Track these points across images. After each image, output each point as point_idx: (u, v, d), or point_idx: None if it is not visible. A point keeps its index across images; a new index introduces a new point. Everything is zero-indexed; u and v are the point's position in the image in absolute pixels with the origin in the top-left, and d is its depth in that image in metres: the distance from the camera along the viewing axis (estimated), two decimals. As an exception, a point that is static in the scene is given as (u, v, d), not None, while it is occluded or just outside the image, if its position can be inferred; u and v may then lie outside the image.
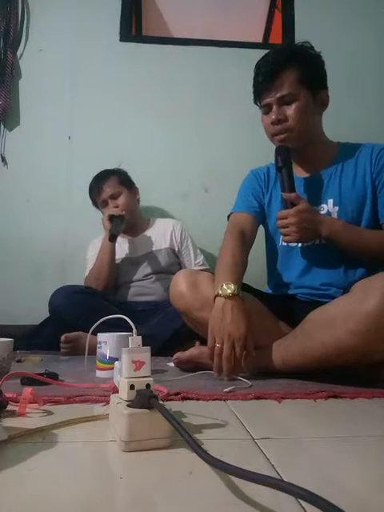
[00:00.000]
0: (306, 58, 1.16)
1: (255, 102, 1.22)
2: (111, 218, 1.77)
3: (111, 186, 1.85)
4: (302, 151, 1.19)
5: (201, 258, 1.91)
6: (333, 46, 2.20)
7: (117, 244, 1.78)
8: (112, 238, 1.72)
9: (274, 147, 1.19)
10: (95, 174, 1.90)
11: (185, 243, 1.91)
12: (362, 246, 1.10)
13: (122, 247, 1.87)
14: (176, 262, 1.90)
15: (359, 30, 2.26)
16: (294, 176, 1.16)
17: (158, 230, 1.93)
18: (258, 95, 1.19)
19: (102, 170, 1.90)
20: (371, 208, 1.15)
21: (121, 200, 1.85)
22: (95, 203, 1.92)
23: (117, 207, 1.83)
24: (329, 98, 1.20)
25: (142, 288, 1.83)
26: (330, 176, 1.20)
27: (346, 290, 1.03)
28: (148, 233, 1.93)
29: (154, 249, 1.88)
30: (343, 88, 2.16)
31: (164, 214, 2.09)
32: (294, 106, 1.13)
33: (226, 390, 0.87)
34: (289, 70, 1.13)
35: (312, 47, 1.18)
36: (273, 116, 1.15)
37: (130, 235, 1.92)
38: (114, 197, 1.85)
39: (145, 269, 1.85)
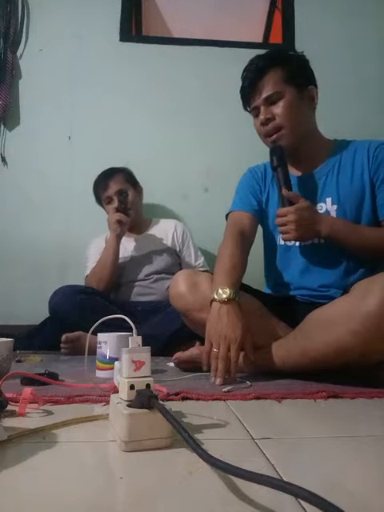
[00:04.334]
0: (288, 57, 1.19)
1: (245, 108, 1.24)
2: (120, 192, 1.80)
3: (118, 183, 1.85)
4: (296, 149, 1.19)
5: (201, 260, 1.90)
6: (333, 46, 2.21)
7: (120, 243, 1.78)
8: (124, 212, 1.78)
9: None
10: (95, 173, 1.90)
11: (186, 244, 1.91)
12: (364, 244, 1.09)
13: (125, 246, 1.87)
14: (177, 263, 1.90)
15: (359, 29, 2.26)
16: (289, 175, 1.16)
17: (160, 229, 1.93)
18: (246, 100, 1.21)
19: (108, 167, 1.90)
20: (370, 205, 1.15)
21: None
22: (99, 200, 1.91)
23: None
24: (317, 94, 1.20)
25: (143, 288, 1.82)
26: (327, 174, 1.20)
27: (345, 290, 1.02)
28: (150, 232, 1.93)
29: (155, 248, 1.88)
30: (344, 88, 2.16)
31: (164, 214, 2.09)
32: (280, 104, 1.15)
33: (225, 389, 0.87)
34: (272, 72, 1.15)
35: (293, 49, 1.21)
36: (261, 116, 1.17)
37: (134, 234, 1.92)
38: (119, 194, 1.85)
39: (146, 268, 1.84)
